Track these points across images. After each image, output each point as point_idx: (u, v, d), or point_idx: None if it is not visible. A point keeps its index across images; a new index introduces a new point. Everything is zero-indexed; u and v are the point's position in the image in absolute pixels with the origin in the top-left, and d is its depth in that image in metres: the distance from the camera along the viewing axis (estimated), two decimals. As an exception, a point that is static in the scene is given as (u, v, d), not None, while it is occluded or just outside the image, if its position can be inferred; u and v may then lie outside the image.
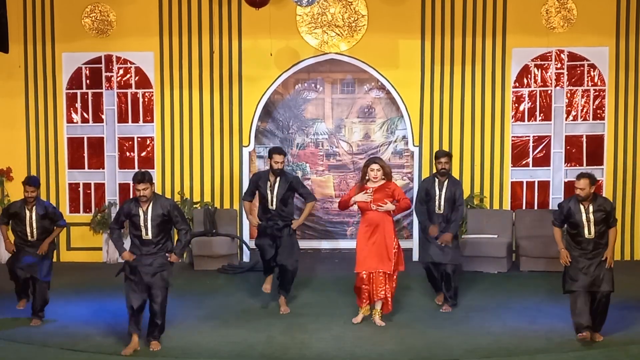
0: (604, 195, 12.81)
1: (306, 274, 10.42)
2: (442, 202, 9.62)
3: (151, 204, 7.99)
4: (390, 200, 8.77)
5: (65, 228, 9.91)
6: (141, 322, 8.05)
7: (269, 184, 9.60)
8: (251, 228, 13.32)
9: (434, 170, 10.01)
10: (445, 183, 9.67)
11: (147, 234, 7.96)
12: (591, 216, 8.06)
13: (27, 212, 9.16)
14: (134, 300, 7.94)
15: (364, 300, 8.90)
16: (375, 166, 8.83)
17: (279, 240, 9.58)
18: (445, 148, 12.94)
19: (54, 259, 12.82)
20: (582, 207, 8.10)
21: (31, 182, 9.20)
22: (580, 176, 8.14)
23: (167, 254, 8.06)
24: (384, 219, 8.82)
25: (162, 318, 8.06)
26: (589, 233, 8.09)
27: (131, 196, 13.10)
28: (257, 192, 9.79)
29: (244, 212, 11.49)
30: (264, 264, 9.84)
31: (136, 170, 12.94)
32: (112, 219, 12.87)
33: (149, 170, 12.89)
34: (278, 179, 9.60)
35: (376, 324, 8.74)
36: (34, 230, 9.16)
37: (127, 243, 8.31)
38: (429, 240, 9.63)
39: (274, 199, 9.58)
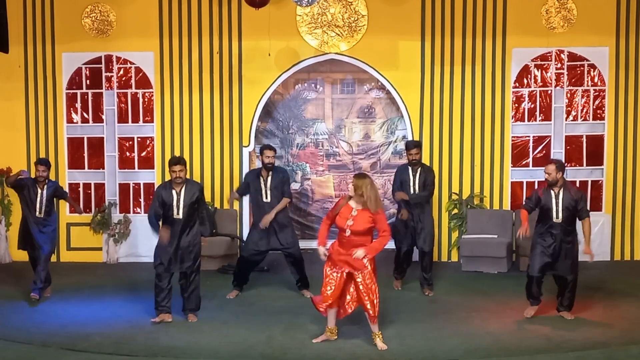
0: (603, 195, 12.89)
1: (307, 272, 10.43)
2: (417, 188, 10.28)
3: (184, 186, 8.84)
4: (370, 226, 7.82)
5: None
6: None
7: (261, 178, 10.15)
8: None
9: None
10: (419, 170, 10.31)
11: (178, 213, 8.76)
12: (560, 201, 8.70)
13: (39, 190, 10.09)
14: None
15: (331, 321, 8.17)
16: (353, 180, 7.92)
17: (275, 229, 10.13)
18: (446, 148, 12.97)
19: (54, 259, 12.92)
20: (552, 192, 8.78)
21: (42, 162, 10.23)
22: (548, 162, 8.88)
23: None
24: (357, 243, 7.81)
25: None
26: (557, 217, 8.74)
27: (131, 194, 13.17)
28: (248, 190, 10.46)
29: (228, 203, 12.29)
30: (241, 265, 10.48)
31: (136, 170, 13.11)
32: (112, 219, 12.98)
33: (149, 170, 13.07)
34: (271, 173, 10.15)
35: (378, 348, 7.96)
36: (43, 207, 10.05)
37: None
38: (406, 226, 10.39)
39: (268, 192, 10.09)
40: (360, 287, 7.81)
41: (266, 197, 10.11)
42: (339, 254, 7.90)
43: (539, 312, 9.10)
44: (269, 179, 10.11)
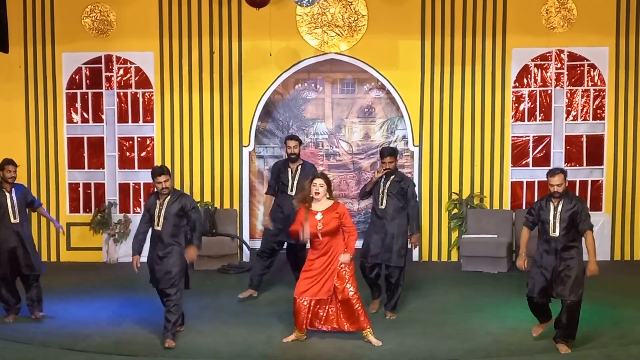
0: (603, 195, 12.88)
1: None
2: (384, 199, 9.24)
3: (169, 197, 8.28)
4: (338, 223, 8.03)
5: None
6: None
7: (289, 170, 10.03)
8: (251, 227, 13.37)
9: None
10: (391, 179, 9.28)
11: (158, 224, 8.24)
12: (558, 213, 7.75)
13: (7, 194, 9.20)
14: None
15: (302, 325, 8.16)
16: (318, 181, 8.08)
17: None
18: (446, 148, 12.96)
19: (54, 259, 12.92)
20: (551, 204, 7.82)
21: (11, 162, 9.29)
22: (554, 172, 7.82)
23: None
24: (335, 243, 8.08)
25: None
26: (554, 231, 7.76)
27: (131, 194, 13.15)
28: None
29: (260, 208, 11.67)
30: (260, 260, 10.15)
31: (136, 170, 13.11)
32: (112, 219, 12.98)
33: (149, 171, 13.05)
34: (299, 166, 10.05)
35: (373, 344, 8.10)
36: (16, 211, 9.21)
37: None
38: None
39: (294, 186, 9.92)
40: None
41: (291, 190, 9.92)
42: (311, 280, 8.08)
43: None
44: (297, 173, 10.00)
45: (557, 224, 7.73)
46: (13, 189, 9.24)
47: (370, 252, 9.25)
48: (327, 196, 8.14)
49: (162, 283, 8.24)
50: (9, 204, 9.15)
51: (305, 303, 8.07)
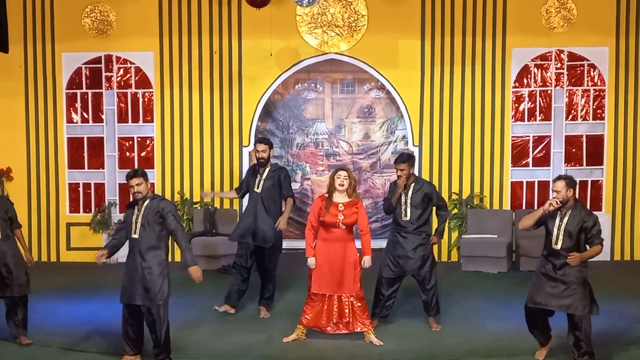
0: (603, 195, 12.87)
1: (305, 273, 10.40)
2: (409, 208, 8.73)
3: (146, 203, 7.44)
4: (355, 219, 8.06)
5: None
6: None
7: (258, 176, 9.41)
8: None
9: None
10: (412, 187, 8.77)
11: (135, 232, 7.43)
12: (563, 225, 7.28)
13: None
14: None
15: (308, 320, 8.21)
16: (342, 173, 8.06)
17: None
18: (445, 148, 12.96)
19: (54, 259, 12.91)
20: (558, 213, 7.34)
21: None
22: (557, 178, 7.40)
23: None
24: (347, 237, 8.14)
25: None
26: (556, 243, 7.29)
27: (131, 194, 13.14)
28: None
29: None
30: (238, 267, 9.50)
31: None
32: (112, 219, 12.98)
33: (149, 170, 13.03)
34: (266, 170, 9.35)
35: (374, 344, 8.11)
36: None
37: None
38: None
39: (261, 183, 9.34)
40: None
41: (257, 188, 9.32)
42: (328, 274, 8.11)
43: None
44: (264, 176, 9.36)
45: (561, 237, 7.29)
46: None
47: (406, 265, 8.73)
48: (351, 193, 8.09)
49: (143, 300, 7.42)
50: None
51: (325, 298, 8.15)
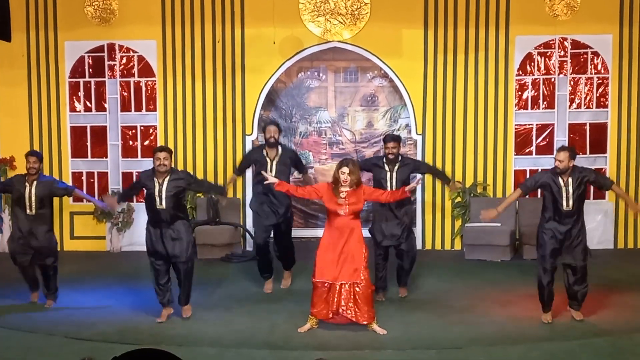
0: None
1: (309, 261, 10.42)
2: (394, 186, 9.32)
3: (169, 176, 8.46)
4: (362, 205, 8.20)
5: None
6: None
7: (268, 160, 9.70)
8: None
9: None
10: (397, 165, 9.41)
11: (161, 203, 8.39)
12: (570, 188, 8.15)
13: (27, 186, 9.11)
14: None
15: (316, 311, 8.24)
16: (345, 169, 8.03)
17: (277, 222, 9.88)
18: (449, 136, 12.95)
19: (58, 248, 12.93)
20: (561, 179, 8.20)
21: (34, 153, 9.29)
22: (560, 149, 8.32)
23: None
24: (353, 224, 8.14)
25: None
26: (567, 205, 8.17)
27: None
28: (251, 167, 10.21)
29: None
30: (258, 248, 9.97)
31: (139, 159, 13.11)
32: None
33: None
34: (278, 152, 9.71)
35: (378, 333, 8.11)
36: (33, 204, 9.10)
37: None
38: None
39: (274, 167, 9.66)
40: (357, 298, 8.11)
41: (271, 171, 9.51)
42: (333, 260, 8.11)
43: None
44: (276, 159, 9.68)
45: (571, 197, 8.15)
46: (35, 182, 9.12)
47: (385, 235, 9.39)
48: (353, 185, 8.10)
49: (175, 257, 8.53)
50: (26, 196, 9.09)
51: (326, 285, 8.13)
